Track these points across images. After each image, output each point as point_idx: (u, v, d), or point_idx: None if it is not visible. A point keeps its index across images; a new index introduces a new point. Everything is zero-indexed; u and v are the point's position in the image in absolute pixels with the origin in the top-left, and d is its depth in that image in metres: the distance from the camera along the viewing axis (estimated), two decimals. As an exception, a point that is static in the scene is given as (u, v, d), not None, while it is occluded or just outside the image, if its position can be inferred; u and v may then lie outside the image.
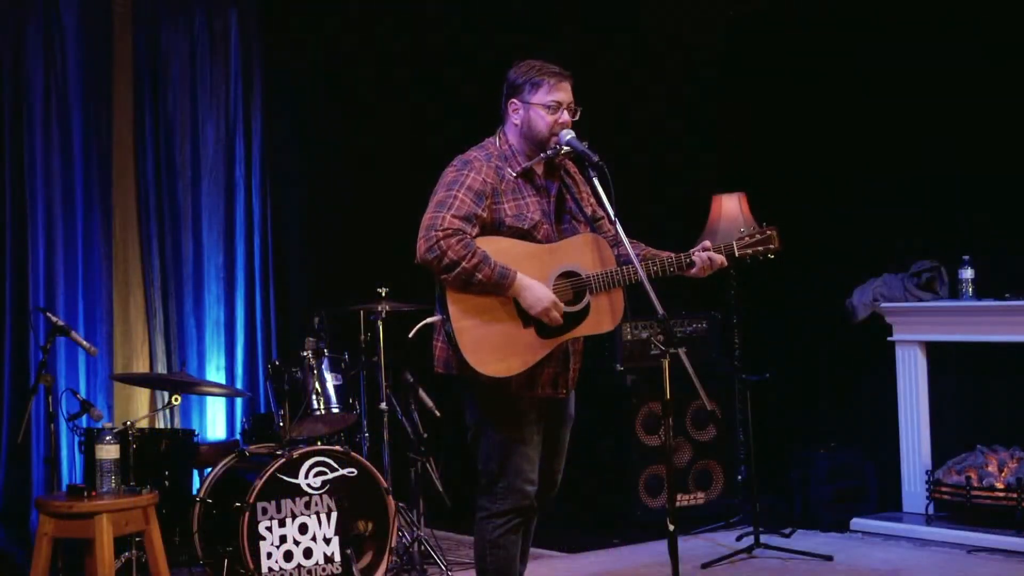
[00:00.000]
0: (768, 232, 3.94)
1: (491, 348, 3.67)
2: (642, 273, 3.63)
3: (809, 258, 6.65)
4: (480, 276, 3.61)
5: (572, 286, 3.76)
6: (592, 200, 3.99)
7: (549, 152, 3.80)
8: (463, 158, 3.82)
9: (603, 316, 3.80)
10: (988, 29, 6.00)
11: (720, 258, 3.87)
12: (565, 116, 3.82)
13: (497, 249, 3.69)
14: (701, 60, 7.12)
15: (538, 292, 3.67)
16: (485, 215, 3.71)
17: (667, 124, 7.18)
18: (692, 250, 3.87)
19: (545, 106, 3.79)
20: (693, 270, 3.86)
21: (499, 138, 3.89)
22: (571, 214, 3.91)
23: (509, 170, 3.81)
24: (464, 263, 3.60)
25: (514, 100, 3.84)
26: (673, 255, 3.86)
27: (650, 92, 7.19)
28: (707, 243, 3.91)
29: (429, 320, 3.78)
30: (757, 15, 6.95)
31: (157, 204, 6.33)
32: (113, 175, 6.21)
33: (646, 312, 3.66)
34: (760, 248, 3.92)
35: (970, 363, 6.10)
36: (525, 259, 3.72)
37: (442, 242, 3.61)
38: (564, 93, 3.83)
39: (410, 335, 3.83)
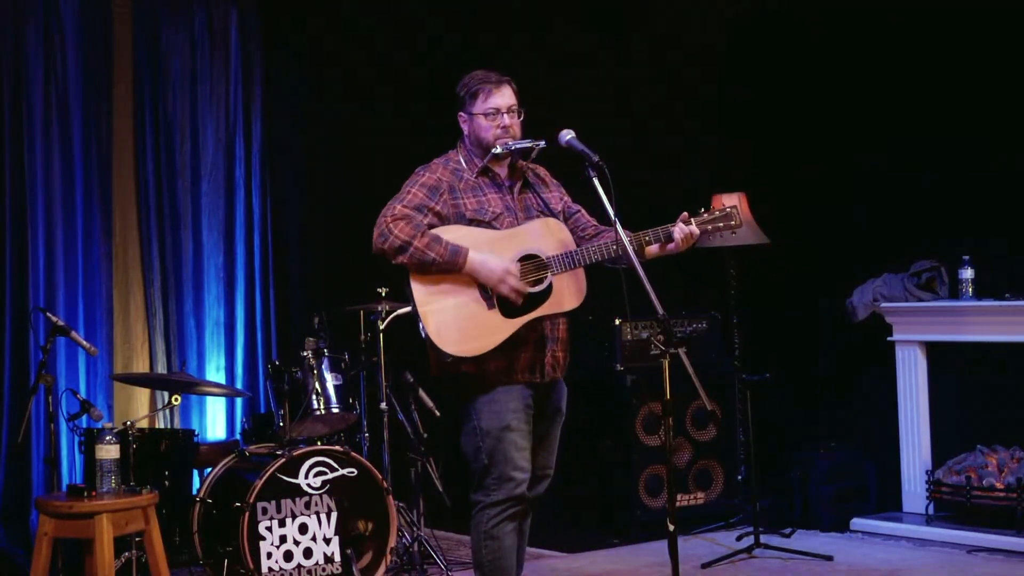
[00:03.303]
0: (728, 209, 3.96)
1: (456, 329, 3.75)
2: (641, 272, 3.63)
3: (809, 258, 6.66)
4: (432, 255, 3.72)
5: (533, 267, 3.82)
6: (566, 200, 4.08)
7: (498, 150, 3.87)
8: (424, 165, 3.97)
9: (565, 296, 3.85)
10: (987, 29, 6.00)
11: (695, 229, 3.89)
12: (506, 120, 3.91)
13: (457, 236, 3.79)
14: (701, 60, 7.11)
15: (490, 263, 3.75)
16: (439, 207, 3.83)
17: (667, 124, 7.17)
18: (670, 224, 3.89)
19: (484, 114, 3.90)
20: (671, 245, 3.89)
21: (458, 148, 4.02)
22: (538, 210, 3.98)
23: (468, 172, 3.93)
24: (415, 242, 3.72)
25: (461, 113, 3.98)
26: (650, 231, 3.88)
27: (650, 92, 7.18)
28: (685, 215, 3.93)
29: (400, 311, 3.85)
30: (757, 15, 6.95)
31: (157, 204, 6.33)
32: (113, 175, 6.22)
33: (646, 312, 3.66)
34: (720, 224, 3.94)
35: (970, 363, 6.10)
36: (485, 244, 3.80)
37: (391, 225, 3.75)
38: (501, 98, 3.92)
39: (382, 326, 3.90)
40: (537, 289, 3.81)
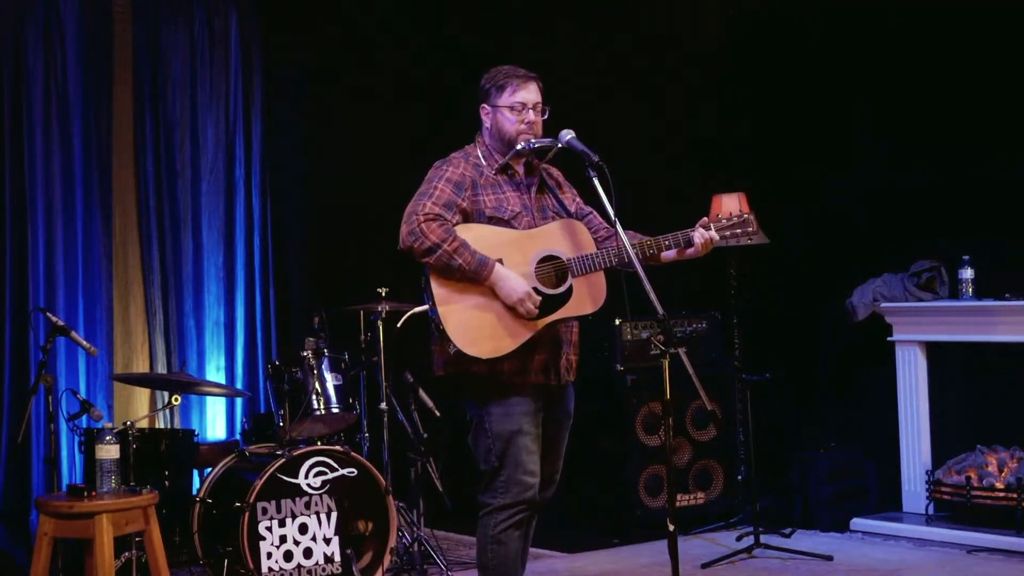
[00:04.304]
0: (745, 216, 3.96)
1: (476, 330, 3.72)
2: (641, 273, 3.63)
3: (809, 258, 6.65)
4: (460, 260, 3.69)
5: (554, 269, 3.80)
6: (579, 201, 4.07)
7: (520, 148, 3.86)
8: (443, 159, 3.94)
9: (585, 299, 3.83)
10: (987, 29, 6.00)
11: (715, 235, 3.91)
12: (531, 115, 3.89)
13: (478, 235, 3.76)
14: (701, 60, 7.11)
15: (513, 283, 3.73)
16: (465, 204, 3.81)
17: (667, 124, 7.17)
18: (690, 229, 3.90)
19: (510, 107, 3.88)
20: (691, 249, 3.90)
21: (477, 140, 3.99)
22: (554, 211, 3.97)
23: (487, 167, 3.90)
24: (445, 245, 3.68)
25: (484, 105, 3.95)
26: (670, 235, 3.89)
27: (649, 91, 7.19)
28: (705, 220, 3.93)
29: (416, 310, 3.82)
30: (757, 15, 6.95)
31: (157, 204, 6.33)
32: (113, 175, 6.22)
33: (646, 312, 3.66)
34: (739, 231, 3.95)
35: (970, 363, 6.10)
36: (505, 244, 3.78)
37: (423, 225, 3.70)
38: (528, 93, 3.90)
39: (398, 324, 3.86)
40: (558, 291, 3.79)
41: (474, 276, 3.71)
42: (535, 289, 3.76)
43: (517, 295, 3.71)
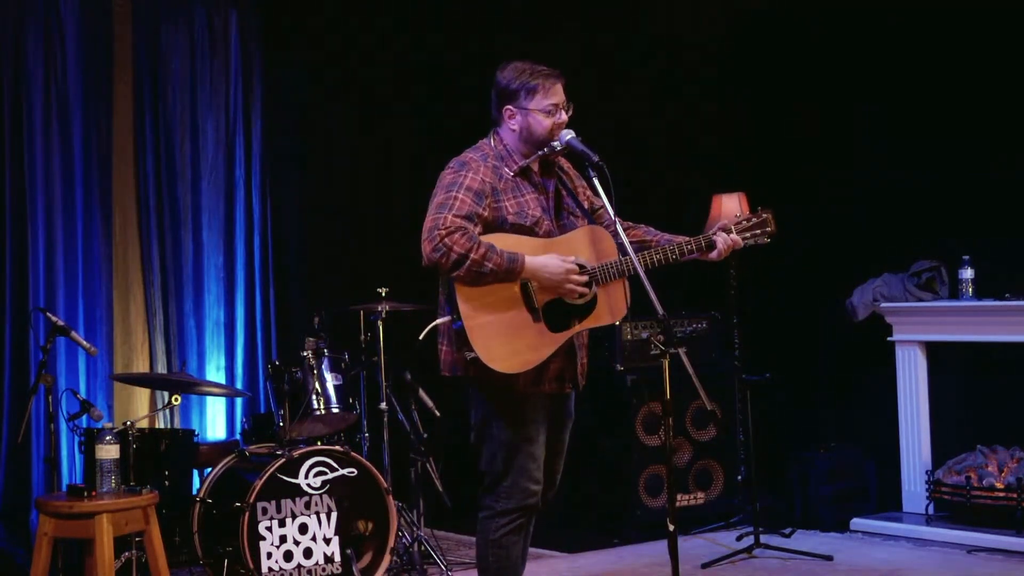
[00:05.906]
0: (764, 215, 3.93)
1: (503, 344, 3.66)
2: (641, 272, 3.62)
3: (809, 258, 6.65)
4: (490, 264, 3.62)
5: None
6: (588, 193, 4.01)
7: (545, 151, 3.81)
8: (459, 159, 3.83)
9: (608, 308, 3.80)
10: (987, 29, 6.00)
11: (738, 239, 3.88)
12: (563, 116, 3.83)
13: (504, 246, 3.69)
14: (701, 60, 7.11)
15: (551, 265, 3.68)
16: (486, 214, 3.72)
17: (667, 124, 7.18)
18: (712, 232, 3.88)
19: (543, 111, 3.80)
20: (713, 253, 3.87)
21: (493, 139, 3.90)
22: (569, 210, 3.92)
23: (506, 169, 3.82)
24: (472, 254, 3.60)
25: (510, 107, 3.83)
26: (691, 238, 3.87)
27: (650, 92, 7.19)
28: (725, 223, 3.91)
29: (438, 322, 3.78)
30: (757, 15, 6.95)
31: (157, 204, 6.32)
32: (113, 175, 6.21)
33: (646, 312, 3.66)
34: (758, 232, 3.92)
35: (970, 363, 6.10)
36: (529, 254, 3.72)
37: (446, 239, 3.60)
38: (559, 94, 3.83)
39: (420, 337, 3.82)
40: (583, 301, 3.76)
41: (508, 275, 3.64)
42: (561, 302, 3.72)
43: (560, 276, 3.67)
